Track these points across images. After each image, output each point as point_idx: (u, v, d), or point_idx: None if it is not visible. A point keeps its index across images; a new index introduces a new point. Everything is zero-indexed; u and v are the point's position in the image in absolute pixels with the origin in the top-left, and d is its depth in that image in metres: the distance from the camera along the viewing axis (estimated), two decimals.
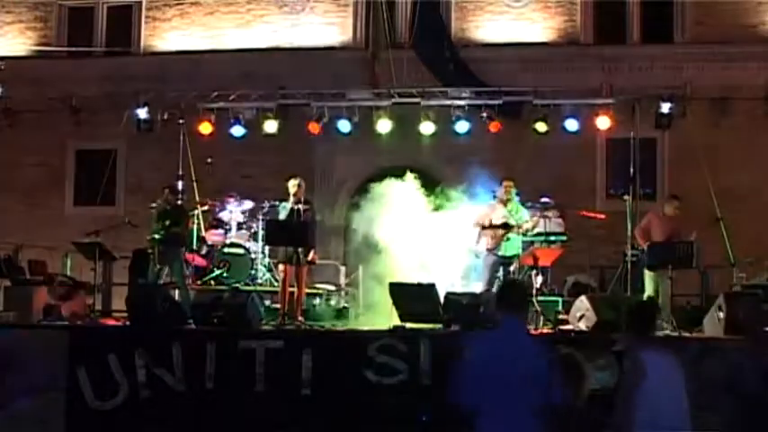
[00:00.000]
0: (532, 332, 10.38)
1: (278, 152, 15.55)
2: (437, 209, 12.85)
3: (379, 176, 13.31)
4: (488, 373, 5.41)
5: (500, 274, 11.71)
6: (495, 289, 11.39)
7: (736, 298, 10.59)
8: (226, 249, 13.57)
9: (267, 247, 13.41)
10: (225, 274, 13.34)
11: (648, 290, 11.50)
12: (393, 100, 13.83)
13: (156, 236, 12.10)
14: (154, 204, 12.67)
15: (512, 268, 11.88)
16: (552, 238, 12.79)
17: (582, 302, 10.62)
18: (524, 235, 11.94)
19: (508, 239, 11.73)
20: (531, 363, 5.39)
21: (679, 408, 5.46)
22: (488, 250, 11.80)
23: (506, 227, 11.69)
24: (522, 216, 11.88)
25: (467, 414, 5.47)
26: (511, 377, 5.34)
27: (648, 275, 11.57)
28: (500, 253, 11.73)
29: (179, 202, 12.83)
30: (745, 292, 11.55)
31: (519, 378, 5.34)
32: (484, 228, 11.85)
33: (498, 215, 11.86)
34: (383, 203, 12.80)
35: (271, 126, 13.92)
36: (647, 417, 5.30)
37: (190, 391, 9.85)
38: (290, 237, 11.44)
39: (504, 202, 11.89)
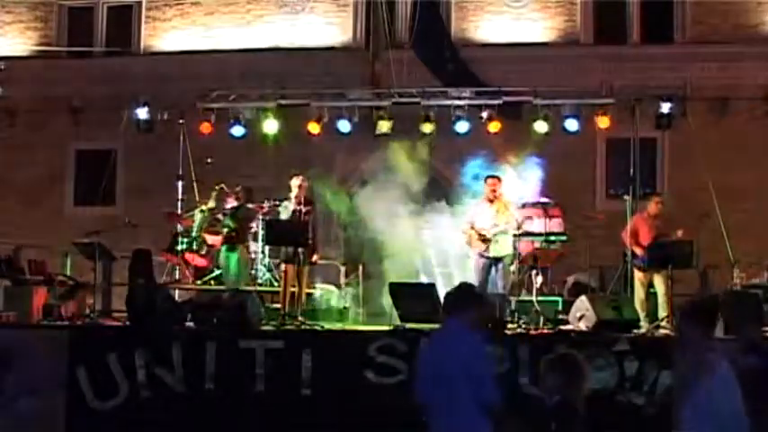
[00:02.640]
0: (532, 332, 10.45)
1: (278, 152, 15.55)
2: (437, 208, 12.86)
3: (379, 176, 13.31)
4: (434, 372, 5.70)
5: (491, 275, 11.65)
6: (495, 290, 11.41)
7: (736, 297, 10.60)
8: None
9: (267, 247, 13.41)
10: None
11: (638, 291, 11.49)
12: (393, 100, 13.83)
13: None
14: (212, 205, 12.85)
15: (512, 268, 11.86)
16: (552, 238, 12.78)
17: (582, 302, 10.62)
18: (515, 236, 11.83)
19: (497, 241, 11.67)
20: (468, 361, 5.62)
21: (740, 413, 5.20)
22: (478, 253, 11.72)
23: (485, 240, 11.60)
24: (510, 215, 11.79)
25: (423, 413, 5.77)
26: (453, 376, 5.58)
27: (638, 277, 11.58)
28: (489, 254, 11.69)
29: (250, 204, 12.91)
30: (744, 292, 11.55)
31: (461, 377, 5.56)
32: (473, 229, 11.79)
33: (484, 214, 11.76)
34: (383, 203, 12.80)
35: (271, 126, 13.92)
36: (713, 417, 5.04)
37: (190, 391, 9.86)
38: (290, 237, 11.44)
39: (491, 201, 11.83)
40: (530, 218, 12.58)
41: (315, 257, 11.79)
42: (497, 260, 11.68)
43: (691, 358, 5.18)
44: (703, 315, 5.32)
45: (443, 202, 13.10)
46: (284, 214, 11.81)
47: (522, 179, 13.16)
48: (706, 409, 5.00)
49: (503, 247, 11.70)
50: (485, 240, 11.61)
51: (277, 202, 12.36)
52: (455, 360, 5.64)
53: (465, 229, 11.83)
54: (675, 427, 5.16)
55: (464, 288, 6.44)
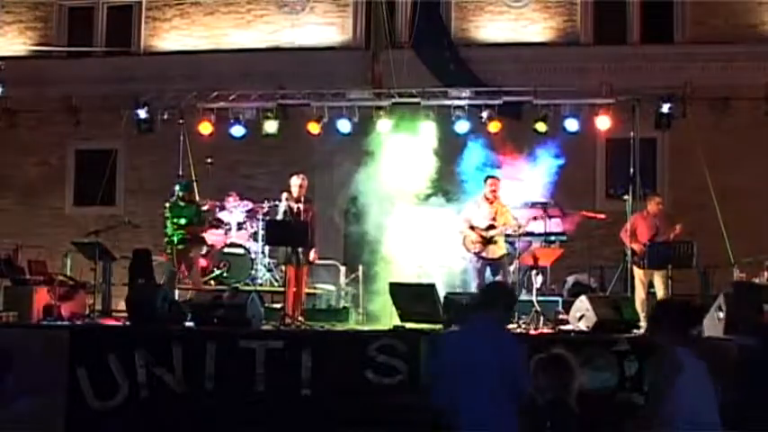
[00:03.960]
0: (532, 332, 10.44)
1: (278, 152, 15.56)
2: (437, 209, 12.86)
3: (379, 176, 13.30)
4: (459, 370, 5.56)
5: (488, 275, 11.65)
6: None
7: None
8: (226, 249, 13.58)
9: (267, 248, 13.43)
10: (225, 274, 13.35)
11: (638, 291, 11.51)
12: (393, 100, 13.82)
13: None
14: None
15: (511, 268, 11.87)
16: (552, 238, 12.79)
17: (582, 302, 10.62)
18: (516, 237, 11.84)
19: (495, 242, 11.68)
20: (500, 358, 5.51)
21: (713, 407, 5.39)
22: (475, 253, 11.76)
23: (488, 242, 11.63)
24: (509, 216, 11.80)
25: (446, 414, 5.60)
26: (481, 373, 5.47)
27: (638, 277, 11.59)
28: (486, 256, 11.69)
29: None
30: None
31: (490, 374, 5.46)
32: (470, 228, 11.78)
33: (483, 214, 11.76)
34: (383, 203, 12.80)
35: (271, 126, 13.91)
36: (685, 414, 5.20)
37: (190, 391, 9.85)
38: (289, 237, 11.44)
39: (490, 201, 11.84)
40: (535, 218, 12.62)
41: (312, 256, 11.79)
42: (494, 261, 11.69)
43: (663, 359, 5.34)
44: (672, 317, 5.51)
45: (443, 201, 13.09)
46: (281, 213, 11.79)
47: (522, 179, 13.16)
48: (679, 408, 5.14)
49: (499, 249, 11.72)
50: (482, 241, 11.61)
51: (276, 203, 12.37)
52: (491, 357, 5.52)
53: (462, 228, 11.82)
54: (651, 426, 5.28)
55: (495, 285, 6.46)
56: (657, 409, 5.20)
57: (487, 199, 11.82)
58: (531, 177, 13.52)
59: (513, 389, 5.50)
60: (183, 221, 12.06)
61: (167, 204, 12.27)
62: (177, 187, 12.45)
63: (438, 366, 5.82)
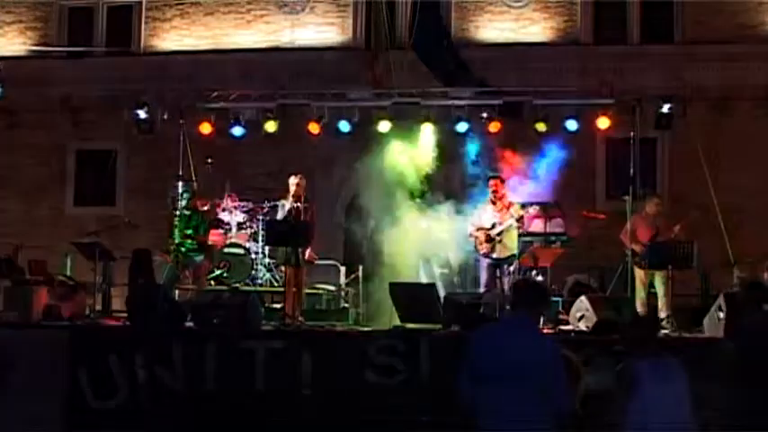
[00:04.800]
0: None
1: (278, 152, 15.55)
2: (437, 209, 12.86)
3: (379, 176, 13.31)
4: (487, 367, 5.32)
5: (498, 275, 11.70)
6: (497, 290, 11.44)
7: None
8: (226, 249, 13.58)
9: (267, 248, 13.43)
10: (225, 274, 13.35)
11: (638, 291, 11.51)
12: (393, 100, 13.82)
13: None
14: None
15: (512, 268, 11.88)
16: (552, 238, 12.79)
17: (582, 302, 10.63)
18: (520, 236, 11.89)
19: (500, 241, 11.72)
20: (531, 358, 5.26)
21: (676, 419, 5.56)
22: (484, 255, 11.85)
23: (490, 241, 11.68)
24: (510, 215, 11.83)
25: (471, 410, 5.36)
26: (511, 371, 5.22)
27: (638, 277, 11.59)
28: (494, 256, 11.75)
29: None
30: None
31: (520, 373, 5.21)
32: (478, 230, 11.87)
33: (488, 217, 11.87)
34: (383, 203, 12.80)
35: (271, 126, 13.91)
36: (639, 426, 5.43)
37: (190, 391, 9.85)
38: (290, 237, 11.45)
39: (494, 202, 11.89)
40: (537, 217, 12.63)
41: (309, 255, 11.80)
42: (503, 261, 11.74)
43: (634, 362, 5.63)
44: (639, 327, 5.99)
45: (444, 201, 13.09)
46: (281, 212, 11.82)
47: (522, 179, 13.16)
48: (648, 409, 5.44)
49: (507, 249, 11.76)
50: (489, 241, 11.68)
51: (276, 203, 12.38)
52: (531, 354, 5.28)
53: (471, 231, 11.93)
54: (620, 427, 5.51)
55: (530, 283, 6.37)
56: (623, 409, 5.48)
57: (491, 201, 11.90)
58: (530, 178, 13.52)
59: (547, 394, 5.21)
60: (190, 231, 12.07)
61: (177, 213, 12.28)
62: (183, 194, 12.46)
63: (469, 364, 5.45)
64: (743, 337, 7.51)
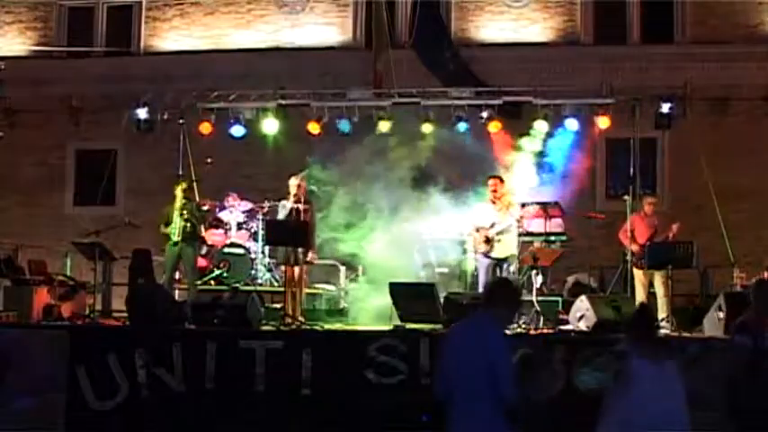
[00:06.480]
0: (532, 332, 10.43)
1: (278, 152, 15.54)
2: (437, 208, 12.86)
3: (379, 176, 13.31)
4: (458, 363, 5.61)
5: (498, 274, 11.70)
6: None
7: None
8: (226, 249, 13.58)
9: (267, 248, 13.42)
10: (225, 274, 13.35)
11: (638, 291, 11.51)
12: (393, 100, 13.83)
13: None
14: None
15: (512, 268, 11.88)
16: (552, 238, 12.79)
17: (582, 302, 10.62)
18: (520, 235, 11.90)
19: (499, 241, 11.73)
20: (488, 357, 5.52)
21: (674, 419, 5.56)
22: (483, 254, 11.85)
23: (488, 241, 11.70)
24: (509, 215, 11.83)
25: (443, 405, 5.66)
26: (477, 369, 5.49)
27: (638, 277, 11.59)
28: (492, 255, 11.76)
29: None
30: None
31: (479, 371, 5.48)
32: (477, 230, 11.88)
33: (486, 216, 11.87)
34: (383, 203, 12.80)
35: (271, 126, 13.92)
36: (635, 425, 5.43)
37: (190, 391, 9.84)
38: (289, 237, 11.45)
39: (493, 202, 11.90)
40: (537, 216, 12.63)
41: (310, 256, 11.80)
42: (502, 261, 11.74)
43: (624, 365, 5.67)
44: (634, 325, 5.92)
45: (444, 201, 13.08)
46: (282, 213, 11.81)
47: (522, 179, 13.16)
48: (647, 406, 5.45)
49: (507, 248, 11.75)
50: (488, 241, 11.68)
51: (276, 203, 12.37)
52: (482, 353, 5.54)
53: (470, 231, 11.93)
54: (604, 428, 5.59)
55: (500, 282, 6.44)
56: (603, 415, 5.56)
57: (491, 200, 11.91)
58: (530, 177, 13.52)
59: (498, 393, 5.49)
60: (185, 217, 11.97)
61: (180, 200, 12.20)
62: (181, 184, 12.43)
63: (439, 359, 5.89)
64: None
